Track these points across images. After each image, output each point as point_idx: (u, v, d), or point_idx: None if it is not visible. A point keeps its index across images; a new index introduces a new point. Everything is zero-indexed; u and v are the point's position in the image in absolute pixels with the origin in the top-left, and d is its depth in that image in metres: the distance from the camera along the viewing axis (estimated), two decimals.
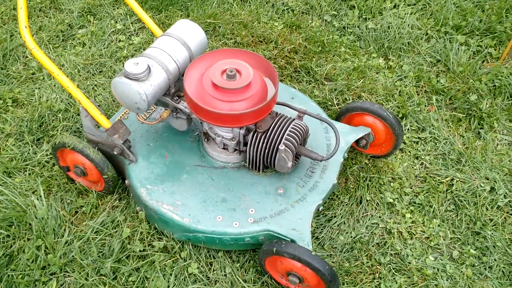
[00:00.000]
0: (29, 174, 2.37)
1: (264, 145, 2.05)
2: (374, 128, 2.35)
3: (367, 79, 2.83)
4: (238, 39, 3.04)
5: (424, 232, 2.24)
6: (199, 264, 2.08)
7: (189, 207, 2.04)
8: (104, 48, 2.95)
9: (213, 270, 2.07)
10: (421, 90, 2.83)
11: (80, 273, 2.02)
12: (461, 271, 2.10)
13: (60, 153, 2.24)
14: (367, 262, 2.12)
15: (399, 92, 2.79)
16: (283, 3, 3.29)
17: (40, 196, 2.24)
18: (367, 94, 2.74)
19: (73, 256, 2.08)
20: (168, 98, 2.13)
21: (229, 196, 2.09)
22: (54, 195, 2.28)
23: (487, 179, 2.41)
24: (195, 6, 3.21)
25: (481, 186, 2.37)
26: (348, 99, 2.73)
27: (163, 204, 2.05)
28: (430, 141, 2.59)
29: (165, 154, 2.23)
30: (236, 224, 1.99)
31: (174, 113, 2.19)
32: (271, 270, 2.02)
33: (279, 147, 2.00)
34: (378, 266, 2.11)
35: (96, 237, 2.13)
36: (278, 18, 3.21)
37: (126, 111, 2.39)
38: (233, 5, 3.26)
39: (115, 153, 2.15)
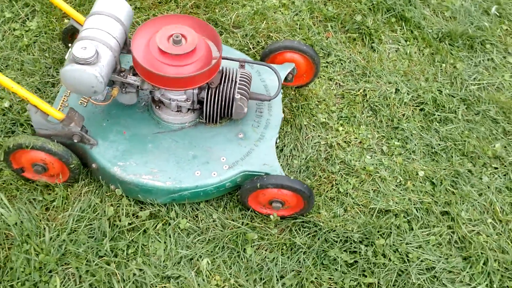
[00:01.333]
0: None
1: (220, 98, 2.23)
2: (296, 62, 2.65)
3: (269, 20, 3.09)
4: (137, 4, 3.06)
5: (356, 138, 2.66)
6: (187, 219, 2.26)
7: (166, 171, 2.18)
8: (1, 41, 2.76)
9: (201, 220, 2.27)
10: (316, 21, 3.18)
11: (79, 262, 2.08)
12: (394, 160, 2.59)
13: (13, 156, 2.18)
14: (323, 175, 2.49)
15: (299, 26, 3.10)
16: None
17: (4, 203, 2.18)
18: (275, 34, 3.02)
19: (65, 248, 2.11)
20: (115, 75, 2.17)
21: (197, 152, 2.26)
22: (18, 199, 2.23)
23: (390, 83, 2.90)
24: None
25: (388, 90, 2.85)
26: (260, 41, 2.98)
27: (141, 175, 2.16)
28: (337, 63, 2.98)
29: (122, 130, 2.29)
30: (214, 174, 2.20)
31: (123, 89, 2.24)
32: (253, 204, 2.28)
33: (235, 96, 2.21)
34: (332, 175, 2.50)
35: (80, 225, 2.18)
36: None
37: (64, 98, 2.36)
38: None
39: (75, 141, 2.17)
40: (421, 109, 2.81)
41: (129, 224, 2.20)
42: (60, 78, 2.03)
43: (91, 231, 2.17)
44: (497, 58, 3.12)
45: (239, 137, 2.33)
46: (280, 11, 3.19)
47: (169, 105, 2.28)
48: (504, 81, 3.00)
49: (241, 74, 2.27)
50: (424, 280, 2.18)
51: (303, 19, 3.15)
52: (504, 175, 2.59)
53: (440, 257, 2.27)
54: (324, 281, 2.15)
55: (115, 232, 2.17)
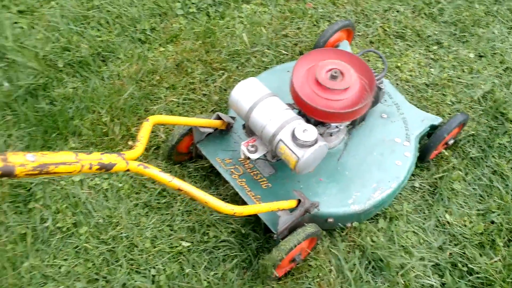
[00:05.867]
0: None
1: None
2: (342, 38, 2.94)
3: (263, 24, 3.21)
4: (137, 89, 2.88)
5: (413, 63, 3.13)
6: (407, 203, 2.55)
7: (381, 179, 2.39)
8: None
9: (407, 195, 2.59)
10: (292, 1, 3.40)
11: None
12: (447, 60, 3.14)
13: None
14: (429, 102, 2.94)
15: (289, 10, 3.30)
16: None
17: None
18: (288, 31, 3.18)
19: None
20: None
21: (378, 150, 2.48)
22: None
23: (387, 11, 3.37)
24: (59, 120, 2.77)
25: (392, 15, 3.32)
26: (285, 44, 3.12)
27: (373, 196, 2.34)
28: None
29: (318, 179, 2.39)
30: (407, 154, 2.46)
31: None
32: (433, 155, 2.66)
33: (380, 87, 2.46)
34: (432, 98, 2.96)
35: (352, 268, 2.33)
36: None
37: (248, 191, 2.32)
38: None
39: (311, 212, 2.23)
40: (424, 13, 3.37)
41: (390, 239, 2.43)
42: (299, 170, 2.04)
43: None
44: None
45: (385, 118, 2.61)
46: (261, 11, 3.31)
47: (335, 132, 2.41)
48: None
49: None
50: None
51: (283, 4, 3.34)
52: (502, 23, 3.38)
53: None
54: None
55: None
